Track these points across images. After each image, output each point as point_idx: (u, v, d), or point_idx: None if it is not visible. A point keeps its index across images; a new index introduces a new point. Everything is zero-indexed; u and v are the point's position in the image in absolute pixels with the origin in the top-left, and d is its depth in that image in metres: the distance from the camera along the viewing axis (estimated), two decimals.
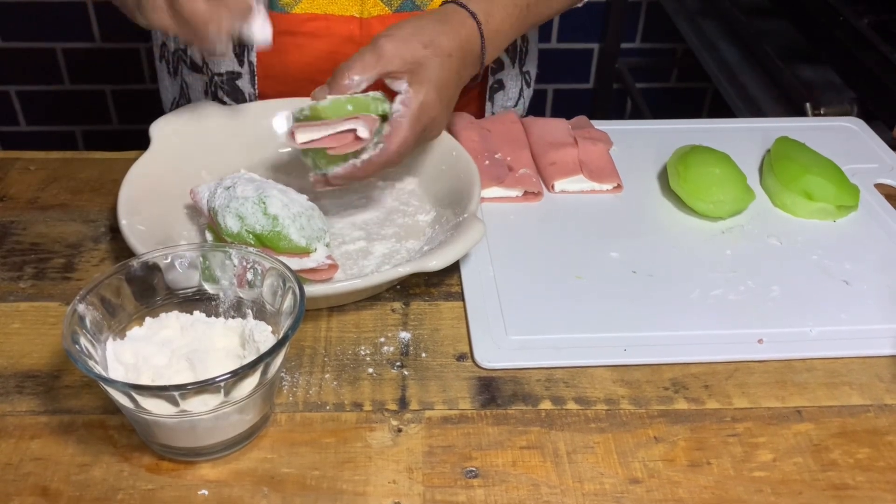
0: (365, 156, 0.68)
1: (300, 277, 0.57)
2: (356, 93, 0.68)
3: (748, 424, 0.58)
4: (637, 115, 1.94)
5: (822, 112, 1.20)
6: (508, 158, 0.82)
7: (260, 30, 0.67)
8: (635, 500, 0.53)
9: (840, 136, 0.91)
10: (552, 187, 0.80)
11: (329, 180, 0.69)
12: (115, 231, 0.74)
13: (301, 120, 0.67)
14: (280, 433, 0.56)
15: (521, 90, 0.97)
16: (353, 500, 0.52)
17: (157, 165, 0.75)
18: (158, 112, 0.80)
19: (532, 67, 0.99)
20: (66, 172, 0.82)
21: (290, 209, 0.65)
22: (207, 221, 0.69)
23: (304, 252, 0.65)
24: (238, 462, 0.54)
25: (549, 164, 0.81)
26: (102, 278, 0.55)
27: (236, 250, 0.58)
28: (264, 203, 0.64)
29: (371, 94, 0.68)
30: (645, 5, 1.93)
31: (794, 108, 1.25)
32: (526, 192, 0.79)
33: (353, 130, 0.67)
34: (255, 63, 0.86)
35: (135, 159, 0.75)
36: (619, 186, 0.81)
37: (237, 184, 0.66)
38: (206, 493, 0.52)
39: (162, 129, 0.78)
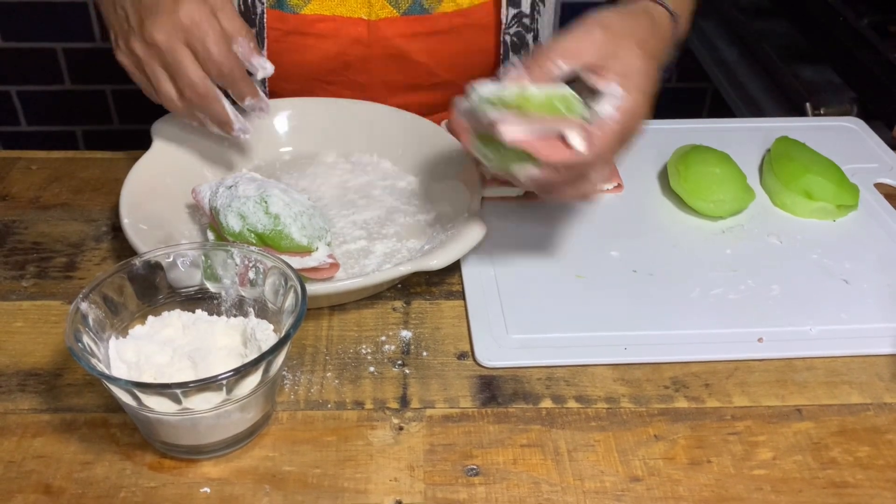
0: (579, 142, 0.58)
1: (301, 276, 0.57)
2: (551, 85, 0.59)
3: (748, 423, 0.58)
4: None
5: (821, 112, 1.20)
6: None
7: (261, 66, 0.69)
8: (636, 499, 0.53)
9: (840, 135, 0.91)
10: None
11: (512, 180, 0.62)
12: (116, 230, 0.74)
13: (496, 104, 0.57)
14: (282, 431, 0.57)
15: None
16: (355, 498, 0.52)
17: (158, 165, 0.75)
18: (159, 112, 0.80)
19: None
20: (67, 172, 0.83)
21: (291, 208, 0.65)
22: (209, 221, 0.69)
23: (306, 251, 0.65)
24: (240, 460, 0.54)
25: None
26: (105, 277, 0.56)
27: (238, 249, 0.59)
28: (266, 202, 0.64)
29: (569, 91, 0.59)
30: None
31: (793, 108, 1.25)
32: (527, 192, 0.80)
33: (561, 135, 0.57)
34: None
35: (136, 159, 0.75)
36: (619, 186, 0.81)
37: (239, 183, 0.66)
38: (208, 490, 0.53)
39: (163, 129, 0.78)
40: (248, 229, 0.64)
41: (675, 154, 0.82)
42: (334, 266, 0.66)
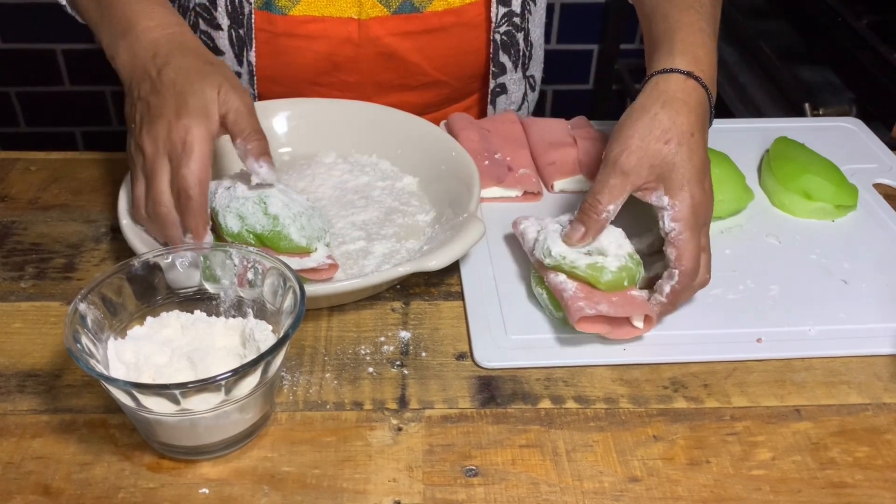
0: (667, 289, 0.62)
1: (300, 277, 0.57)
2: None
3: (747, 423, 0.58)
4: None
5: (820, 112, 1.20)
6: (508, 158, 0.82)
7: (266, 173, 0.65)
8: (634, 499, 0.53)
9: (839, 136, 0.91)
10: (552, 187, 0.81)
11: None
12: (115, 231, 0.74)
13: (567, 272, 0.63)
14: (280, 432, 0.57)
15: (525, 94, 0.97)
16: (354, 499, 0.52)
17: None
18: None
19: (536, 71, 0.98)
20: (66, 173, 0.83)
21: (290, 209, 0.65)
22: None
23: (305, 252, 0.65)
24: (239, 461, 0.54)
25: (549, 164, 0.82)
26: (103, 277, 0.56)
27: (237, 250, 0.59)
28: (265, 203, 0.64)
29: (629, 254, 0.64)
30: None
31: (792, 109, 1.25)
32: (525, 192, 0.80)
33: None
34: (254, 64, 0.86)
35: None
36: None
37: (237, 184, 0.66)
38: (207, 491, 0.53)
39: None
40: (246, 230, 0.64)
41: None
42: (333, 267, 0.66)
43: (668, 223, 0.63)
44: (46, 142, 2.03)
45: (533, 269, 0.68)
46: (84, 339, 0.52)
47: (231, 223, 0.65)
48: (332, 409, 0.58)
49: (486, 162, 0.80)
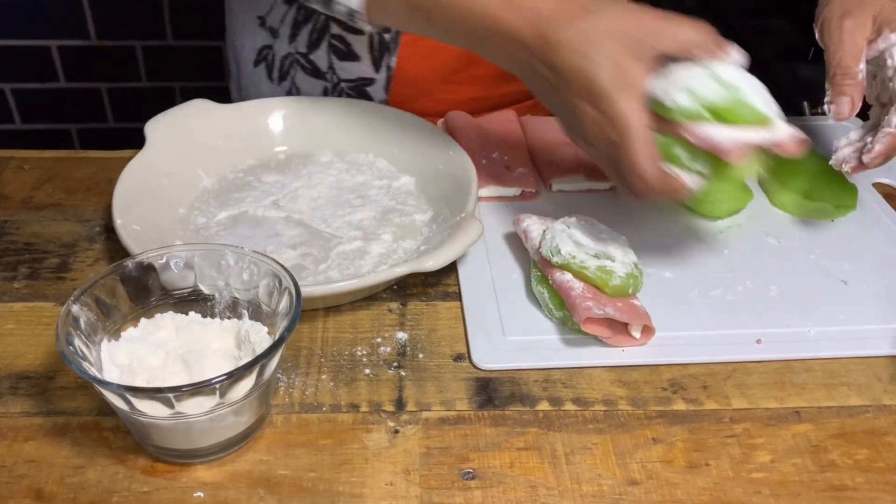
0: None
1: (765, 151, 0.52)
2: None
3: (746, 425, 0.57)
4: None
5: (819, 111, 1.19)
6: (506, 157, 0.81)
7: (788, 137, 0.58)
8: (633, 502, 0.52)
9: (838, 134, 0.91)
10: (550, 186, 0.80)
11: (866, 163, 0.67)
12: (109, 231, 0.74)
13: (575, 271, 0.62)
14: (276, 435, 0.56)
15: None
16: (350, 502, 0.52)
17: (152, 164, 0.75)
18: (154, 111, 0.80)
19: None
20: (60, 171, 0.82)
21: (746, 79, 0.57)
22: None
23: (766, 122, 0.57)
24: (234, 464, 0.54)
25: (547, 163, 0.81)
26: (97, 279, 0.55)
27: (231, 251, 0.58)
28: (717, 74, 0.56)
29: (634, 262, 0.63)
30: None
31: (791, 107, 1.25)
32: (523, 192, 0.79)
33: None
34: (393, 69, 0.84)
35: (130, 158, 0.74)
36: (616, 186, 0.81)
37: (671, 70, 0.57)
38: (202, 495, 0.52)
39: (157, 128, 0.78)
40: (703, 104, 0.55)
41: None
42: (804, 141, 0.57)
43: None
44: (42, 139, 2.02)
45: (534, 267, 0.67)
46: (77, 342, 0.52)
47: (682, 99, 0.56)
48: (328, 411, 0.58)
49: (484, 161, 0.80)
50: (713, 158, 0.57)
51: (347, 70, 0.86)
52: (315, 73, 0.88)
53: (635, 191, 0.58)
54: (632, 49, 0.56)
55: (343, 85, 0.87)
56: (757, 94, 0.56)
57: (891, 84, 0.67)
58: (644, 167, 0.56)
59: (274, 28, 0.87)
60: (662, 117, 0.57)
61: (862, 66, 0.66)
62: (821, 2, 0.70)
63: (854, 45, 0.66)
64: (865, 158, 0.68)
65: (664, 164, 0.57)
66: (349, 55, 0.85)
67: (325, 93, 0.89)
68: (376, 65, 0.85)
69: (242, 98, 0.97)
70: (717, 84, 0.56)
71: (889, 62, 0.66)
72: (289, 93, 0.91)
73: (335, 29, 0.84)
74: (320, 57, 0.86)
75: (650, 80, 0.57)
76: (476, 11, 0.60)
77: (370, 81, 0.86)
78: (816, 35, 0.70)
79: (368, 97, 0.87)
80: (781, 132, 0.56)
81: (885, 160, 0.68)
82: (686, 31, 0.57)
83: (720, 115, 0.56)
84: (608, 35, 0.56)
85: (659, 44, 0.57)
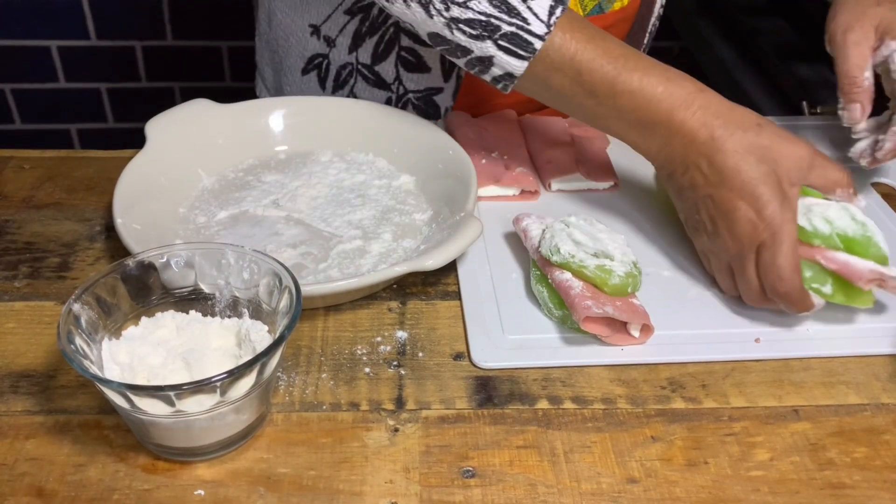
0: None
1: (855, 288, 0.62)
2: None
3: (745, 424, 0.58)
4: None
5: (818, 110, 1.19)
6: (505, 157, 0.81)
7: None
8: (632, 500, 0.52)
9: (836, 134, 0.91)
10: (549, 186, 0.80)
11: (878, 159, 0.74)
12: (110, 230, 0.74)
13: (574, 270, 0.63)
14: (276, 433, 0.56)
15: None
16: (350, 500, 0.52)
17: (152, 164, 0.75)
18: (154, 111, 0.80)
19: None
20: (61, 171, 0.82)
21: (871, 221, 0.64)
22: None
23: (885, 261, 0.63)
24: (234, 462, 0.54)
25: (546, 163, 0.81)
26: (98, 278, 0.55)
27: (232, 250, 0.58)
28: (850, 210, 0.64)
29: (633, 262, 0.64)
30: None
31: (790, 107, 1.25)
32: (523, 191, 0.79)
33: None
34: (463, 77, 0.85)
35: (130, 158, 0.74)
36: (615, 185, 0.81)
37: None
38: (202, 493, 0.52)
39: (158, 128, 0.78)
40: (837, 233, 0.63)
41: None
42: None
43: None
44: (41, 139, 2.02)
45: (534, 266, 0.67)
46: (78, 340, 0.52)
47: (820, 226, 0.63)
48: (328, 409, 0.58)
49: (484, 160, 0.80)
50: (841, 281, 0.63)
51: (416, 80, 0.87)
52: (379, 83, 0.88)
53: (774, 287, 0.63)
54: (792, 173, 0.63)
55: (410, 95, 0.88)
56: (880, 235, 0.63)
57: (895, 85, 0.74)
58: (787, 271, 0.62)
59: (330, 38, 0.87)
60: (799, 240, 0.63)
61: (868, 73, 0.73)
62: (828, 18, 0.77)
63: (859, 55, 0.73)
64: (879, 155, 0.74)
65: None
66: (419, 67, 0.86)
67: (389, 102, 0.89)
68: (446, 75, 0.86)
69: None
70: (850, 219, 0.63)
71: (892, 66, 0.73)
72: None
73: (405, 41, 0.85)
74: (387, 68, 0.87)
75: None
76: (653, 102, 0.65)
77: (438, 91, 0.87)
78: (827, 48, 0.77)
79: (435, 105, 0.88)
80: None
81: (895, 156, 0.74)
82: (835, 172, 0.64)
83: (850, 246, 0.63)
84: (775, 153, 0.63)
85: (811, 176, 0.64)
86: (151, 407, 0.50)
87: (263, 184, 0.79)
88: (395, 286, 0.69)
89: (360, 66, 0.88)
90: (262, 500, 0.52)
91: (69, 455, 0.54)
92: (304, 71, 0.91)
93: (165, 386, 0.49)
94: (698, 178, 0.65)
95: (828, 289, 0.63)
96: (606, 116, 0.68)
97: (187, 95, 1.73)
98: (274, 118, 0.83)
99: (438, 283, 0.70)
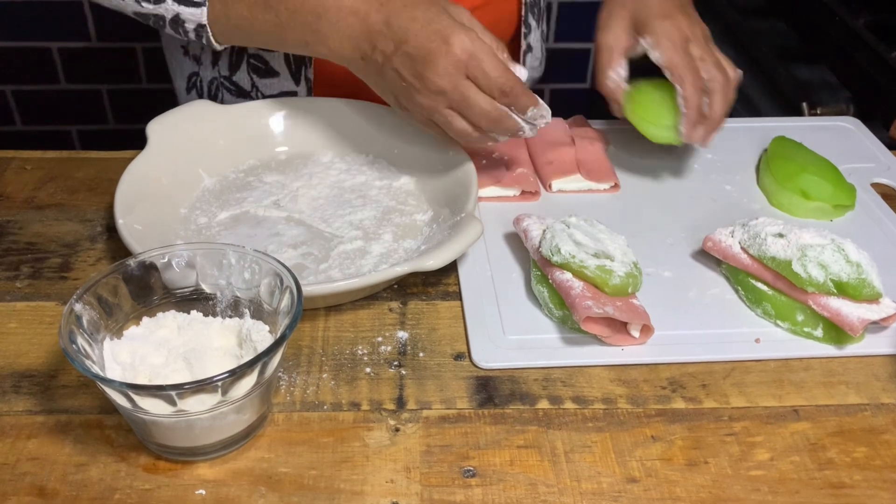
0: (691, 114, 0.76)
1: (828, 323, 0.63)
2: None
3: (745, 423, 0.58)
4: None
5: (818, 111, 1.19)
6: (506, 157, 0.82)
7: (520, 74, 0.68)
8: (633, 500, 0.53)
9: (836, 135, 0.91)
10: (549, 186, 0.80)
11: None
12: (111, 230, 0.74)
13: (575, 271, 0.63)
14: (277, 433, 0.56)
15: (542, 49, 1.01)
16: (351, 500, 0.52)
17: (153, 165, 0.75)
18: (155, 111, 0.80)
19: (545, 26, 1.03)
20: (62, 172, 0.82)
21: (863, 254, 0.64)
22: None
23: (877, 299, 0.63)
24: (235, 462, 0.54)
25: (547, 164, 0.81)
26: (99, 277, 0.55)
27: (233, 250, 0.58)
28: (844, 250, 0.63)
29: (634, 262, 0.66)
30: None
31: (790, 108, 1.25)
32: (523, 192, 0.79)
33: None
34: (311, 79, 0.87)
35: (131, 158, 0.74)
36: (615, 186, 0.81)
37: (801, 231, 0.65)
38: (204, 492, 0.52)
39: (159, 129, 0.78)
40: (830, 279, 0.62)
41: (632, 84, 0.83)
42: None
43: (654, 55, 0.77)
44: (42, 140, 2.02)
45: (534, 267, 0.67)
46: (80, 340, 0.52)
47: (814, 272, 0.63)
48: (329, 409, 0.58)
49: (484, 161, 0.80)
50: (831, 325, 0.64)
51: (269, 86, 0.89)
52: (240, 93, 0.90)
53: (502, 90, 0.66)
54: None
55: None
56: (874, 272, 0.63)
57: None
58: (501, 70, 0.66)
59: (196, 55, 0.91)
60: (793, 284, 0.64)
61: (619, 72, 0.80)
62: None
63: (609, 59, 0.80)
64: (687, 134, 0.78)
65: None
66: (268, 72, 0.88)
67: None
68: (295, 78, 0.87)
69: None
70: (845, 261, 0.63)
71: (652, 54, 0.79)
72: None
73: (251, 49, 0.87)
74: (242, 77, 0.89)
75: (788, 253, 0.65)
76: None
77: (292, 94, 0.88)
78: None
79: None
80: (888, 308, 0.63)
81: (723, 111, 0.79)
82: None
83: (843, 289, 0.62)
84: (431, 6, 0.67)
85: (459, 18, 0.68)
86: (153, 406, 0.50)
87: (264, 184, 0.79)
88: (395, 286, 0.69)
89: (222, 79, 0.90)
90: (264, 500, 0.52)
91: (70, 455, 0.54)
92: (187, 90, 0.96)
93: (167, 385, 0.49)
94: (387, 46, 0.67)
95: (819, 332, 0.64)
96: (289, 27, 0.71)
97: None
98: (274, 119, 0.83)
99: (439, 283, 0.70)
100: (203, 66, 0.92)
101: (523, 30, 0.94)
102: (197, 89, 0.94)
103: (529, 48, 0.97)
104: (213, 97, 0.92)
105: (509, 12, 0.94)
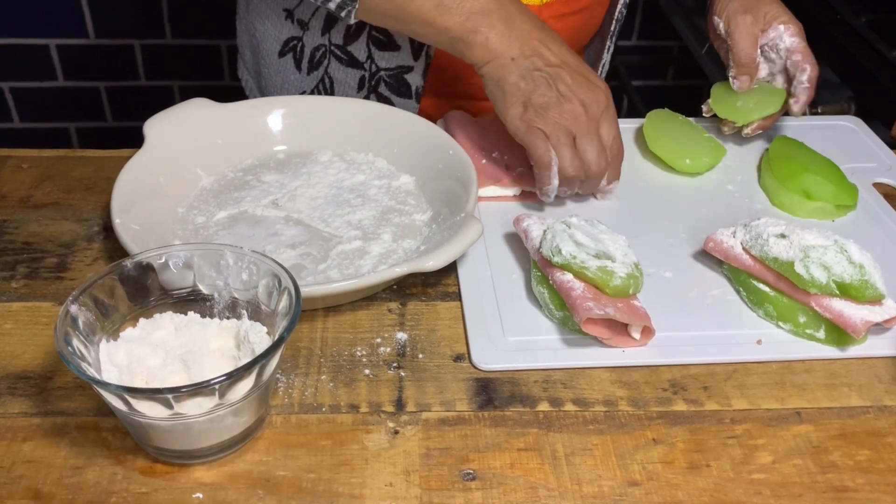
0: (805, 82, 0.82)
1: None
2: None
3: (747, 426, 0.57)
4: (633, 112, 1.94)
5: (819, 111, 1.19)
6: (506, 157, 0.81)
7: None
8: (634, 503, 0.52)
9: (838, 134, 0.91)
10: None
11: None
12: (108, 230, 0.73)
13: (575, 272, 0.63)
14: (275, 435, 0.56)
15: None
16: (350, 503, 0.52)
17: (151, 164, 0.74)
18: (153, 109, 0.79)
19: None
20: (59, 170, 0.82)
21: (866, 255, 0.64)
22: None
23: (879, 300, 0.63)
24: (233, 465, 0.54)
25: None
26: (96, 278, 0.55)
27: (231, 250, 0.58)
28: (847, 251, 0.63)
29: (635, 263, 0.65)
30: (641, 3, 1.92)
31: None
32: (523, 191, 0.79)
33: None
34: (432, 56, 0.87)
35: (129, 157, 0.74)
36: (616, 186, 0.80)
37: (794, 232, 0.65)
38: (201, 496, 0.52)
39: (156, 127, 0.77)
40: (833, 280, 0.62)
41: (649, 117, 0.87)
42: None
43: (787, 40, 0.83)
44: (40, 137, 2.01)
45: (534, 267, 0.67)
46: (75, 342, 0.52)
47: (817, 274, 0.62)
48: (327, 411, 0.58)
49: (484, 161, 0.79)
50: (834, 326, 0.63)
51: (386, 59, 0.89)
52: (352, 63, 0.90)
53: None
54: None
55: (382, 73, 0.90)
56: (877, 273, 0.63)
57: (781, 60, 0.85)
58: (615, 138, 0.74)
59: (303, 21, 0.90)
60: (795, 285, 0.64)
61: (758, 51, 0.84)
62: (715, 2, 0.88)
63: (754, 36, 0.83)
64: (796, 109, 0.84)
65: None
66: (390, 45, 0.88)
67: (362, 81, 0.91)
68: (416, 54, 0.87)
69: (260, 87, 0.99)
70: (847, 262, 0.63)
71: (780, 44, 0.84)
72: (320, 82, 0.93)
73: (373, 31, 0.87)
74: (359, 48, 0.89)
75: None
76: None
77: (409, 69, 0.88)
78: (716, 26, 0.87)
79: (406, 84, 0.90)
80: (891, 310, 0.63)
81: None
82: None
83: (846, 291, 0.62)
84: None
85: None
86: (149, 409, 0.49)
87: (263, 184, 0.78)
88: (394, 287, 0.69)
89: (333, 48, 0.89)
90: (261, 503, 0.51)
91: (66, 457, 0.54)
92: (281, 54, 0.93)
93: (163, 388, 0.49)
94: (551, 57, 0.73)
95: (821, 334, 0.64)
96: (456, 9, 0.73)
97: (186, 94, 1.73)
98: (273, 118, 0.83)
99: (438, 283, 0.69)
100: (309, 31, 0.90)
101: (608, 44, 0.96)
102: (294, 54, 0.92)
103: (604, 66, 0.98)
104: (317, 64, 0.91)
105: (594, 23, 0.96)
